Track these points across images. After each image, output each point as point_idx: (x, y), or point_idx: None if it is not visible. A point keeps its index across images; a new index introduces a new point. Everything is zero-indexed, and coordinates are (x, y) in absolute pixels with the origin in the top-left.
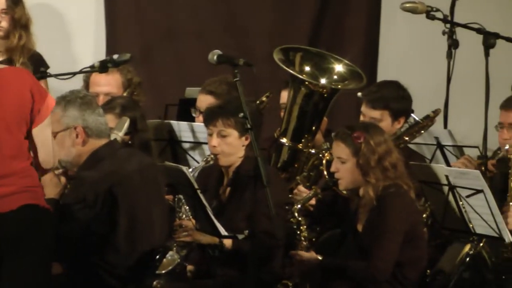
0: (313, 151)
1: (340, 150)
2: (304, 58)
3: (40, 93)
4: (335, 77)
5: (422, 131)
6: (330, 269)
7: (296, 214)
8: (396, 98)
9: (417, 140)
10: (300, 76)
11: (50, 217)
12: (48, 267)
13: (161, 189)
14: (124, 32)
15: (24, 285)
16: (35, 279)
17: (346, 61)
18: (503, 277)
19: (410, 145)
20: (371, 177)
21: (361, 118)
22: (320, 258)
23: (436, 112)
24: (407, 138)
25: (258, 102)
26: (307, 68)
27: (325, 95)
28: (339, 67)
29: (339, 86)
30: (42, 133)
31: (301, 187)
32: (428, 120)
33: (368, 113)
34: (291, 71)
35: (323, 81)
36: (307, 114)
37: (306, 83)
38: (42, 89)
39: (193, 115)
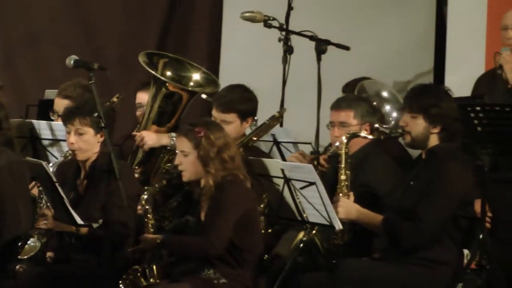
0: (168, 147)
1: (183, 144)
2: (166, 63)
3: None
4: (193, 82)
5: (268, 131)
6: (169, 245)
7: (143, 203)
8: (243, 100)
9: None
10: (163, 78)
11: None
12: None
13: (27, 183)
14: None
15: None
16: None
17: (204, 69)
18: (334, 261)
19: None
20: (211, 167)
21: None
22: (160, 236)
23: (281, 112)
24: (255, 138)
25: (108, 102)
26: (169, 73)
27: (183, 97)
28: (196, 74)
29: (197, 90)
30: None
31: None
32: (274, 120)
33: (219, 116)
34: (154, 73)
35: (183, 83)
36: (166, 113)
37: (168, 84)
38: None
39: (52, 118)
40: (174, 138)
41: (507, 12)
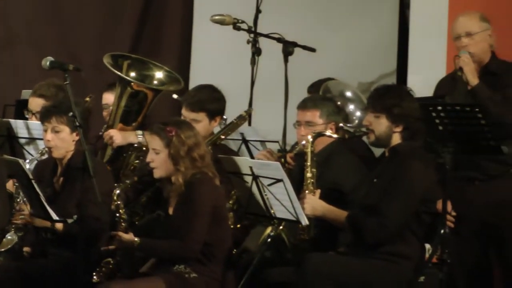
0: (136, 145)
1: (155, 142)
2: (130, 64)
3: None
4: (157, 81)
5: (236, 129)
6: (147, 249)
7: (115, 198)
8: (211, 100)
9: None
10: (127, 78)
11: None
12: None
13: (3, 179)
14: None
15: None
16: None
17: (167, 68)
18: (300, 255)
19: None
20: (181, 166)
21: (182, 118)
22: (137, 240)
23: (248, 112)
24: (223, 137)
25: (82, 102)
26: (133, 73)
27: (148, 95)
28: (160, 73)
29: (161, 88)
30: None
31: None
32: (241, 119)
33: (188, 116)
34: (119, 73)
35: (147, 83)
36: (131, 111)
37: (132, 84)
38: None
39: (26, 116)
40: (141, 136)
41: (453, 23)
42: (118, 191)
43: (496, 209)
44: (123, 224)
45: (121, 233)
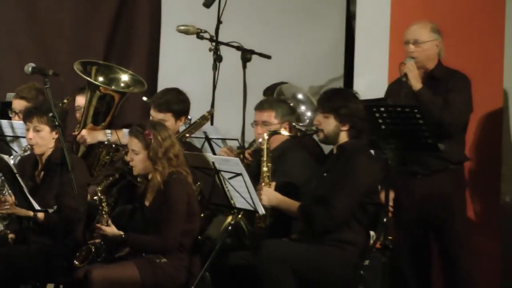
0: (106, 142)
1: (134, 144)
2: (98, 69)
3: None
4: (123, 83)
5: (199, 128)
6: (132, 242)
7: (99, 193)
8: (177, 101)
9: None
10: (95, 82)
11: None
12: None
13: None
14: None
15: None
16: None
17: (131, 72)
18: (257, 241)
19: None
20: (159, 165)
21: (150, 119)
22: (122, 234)
23: (210, 112)
24: (188, 135)
25: (61, 104)
26: (101, 78)
27: (115, 97)
28: (125, 76)
29: (126, 90)
30: None
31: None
32: (204, 119)
33: (156, 116)
34: (88, 78)
35: (113, 86)
36: (100, 112)
37: (100, 87)
38: None
39: (10, 115)
40: (109, 135)
41: (407, 29)
42: (101, 188)
43: (435, 200)
44: (105, 216)
45: (104, 227)
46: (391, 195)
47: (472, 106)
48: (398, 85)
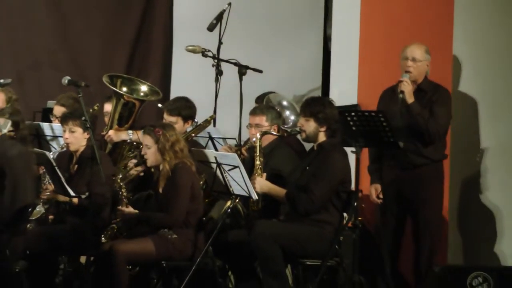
0: (128, 140)
1: (147, 140)
2: (122, 81)
3: None
4: (142, 93)
5: (203, 129)
6: (143, 219)
7: (119, 181)
8: (185, 107)
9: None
10: (120, 92)
11: None
12: None
13: (33, 166)
14: (4, 62)
15: None
16: None
17: (149, 83)
18: (251, 222)
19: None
20: (166, 156)
21: (163, 121)
22: (136, 212)
23: (212, 117)
24: (193, 134)
25: (91, 110)
26: (124, 88)
27: (136, 104)
28: (144, 87)
29: (145, 98)
30: None
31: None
32: (207, 122)
33: (168, 118)
34: (114, 89)
35: (134, 95)
36: (124, 116)
37: (124, 96)
38: None
39: (51, 119)
40: (131, 134)
41: (406, 47)
42: (121, 176)
43: (414, 188)
44: (124, 200)
45: (123, 208)
46: (378, 187)
47: (451, 115)
48: (391, 93)
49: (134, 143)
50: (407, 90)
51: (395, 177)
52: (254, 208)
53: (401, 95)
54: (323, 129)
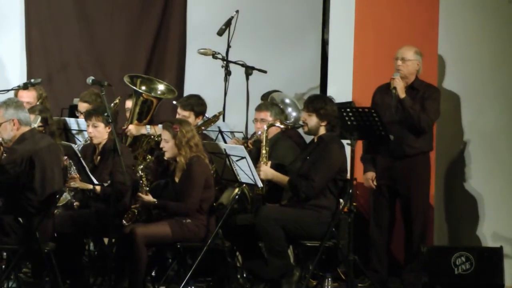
0: (146, 134)
1: (165, 134)
2: (141, 81)
3: None
4: (159, 91)
5: (213, 124)
6: (160, 206)
7: (139, 171)
8: (197, 104)
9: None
10: (139, 90)
11: None
12: None
13: (60, 157)
14: (36, 63)
15: None
16: None
17: (165, 83)
18: (257, 206)
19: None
20: (182, 150)
21: (177, 116)
22: (155, 200)
23: (220, 113)
24: (203, 127)
25: (113, 104)
26: (143, 87)
27: (154, 102)
28: (161, 86)
29: (162, 96)
30: None
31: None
32: (215, 117)
33: (181, 113)
34: (134, 87)
35: (152, 93)
36: (143, 112)
37: (143, 94)
38: None
39: (77, 115)
40: (149, 129)
41: (399, 48)
42: (141, 166)
43: (405, 176)
44: (144, 188)
45: (143, 195)
46: (373, 175)
47: (440, 111)
48: (385, 88)
49: (152, 137)
50: (399, 86)
51: (388, 165)
52: (259, 192)
53: (394, 91)
54: (324, 123)
